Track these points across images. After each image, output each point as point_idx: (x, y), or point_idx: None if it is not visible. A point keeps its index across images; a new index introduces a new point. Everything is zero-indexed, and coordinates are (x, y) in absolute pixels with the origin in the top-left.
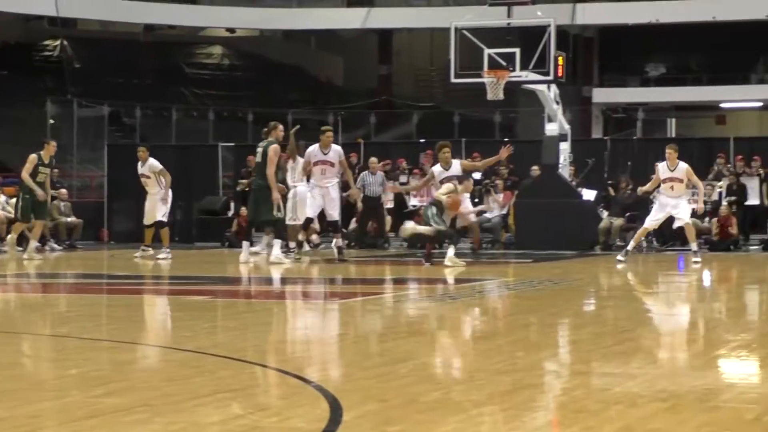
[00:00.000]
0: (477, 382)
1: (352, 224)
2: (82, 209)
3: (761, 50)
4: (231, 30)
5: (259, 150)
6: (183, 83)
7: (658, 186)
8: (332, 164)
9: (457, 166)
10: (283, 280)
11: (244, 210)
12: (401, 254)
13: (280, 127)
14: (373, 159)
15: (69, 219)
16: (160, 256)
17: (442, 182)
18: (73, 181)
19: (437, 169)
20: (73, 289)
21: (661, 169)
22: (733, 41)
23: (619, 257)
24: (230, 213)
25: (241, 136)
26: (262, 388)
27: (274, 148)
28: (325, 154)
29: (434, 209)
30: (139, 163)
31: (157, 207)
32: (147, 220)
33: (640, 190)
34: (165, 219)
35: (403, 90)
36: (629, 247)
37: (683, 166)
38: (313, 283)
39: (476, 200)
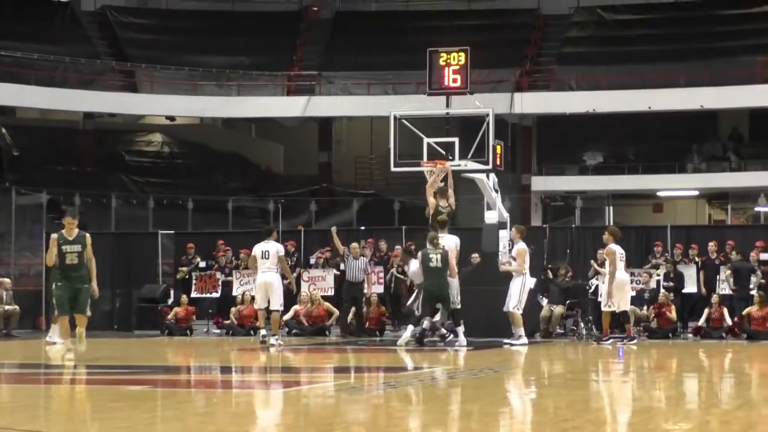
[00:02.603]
0: None
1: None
2: (19, 297)
3: (696, 139)
4: (171, 118)
5: (435, 257)
6: (123, 171)
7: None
8: None
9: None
10: (227, 369)
11: (184, 298)
12: (337, 342)
13: None
14: (354, 244)
15: (7, 307)
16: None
17: None
18: (11, 269)
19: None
20: (10, 380)
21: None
22: (669, 131)
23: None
24: (170, 301)
25: (181, 224)
26: None
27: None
28: None
29: None
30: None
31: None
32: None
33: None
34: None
35: (343, 177)
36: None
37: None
38: (253, 372)
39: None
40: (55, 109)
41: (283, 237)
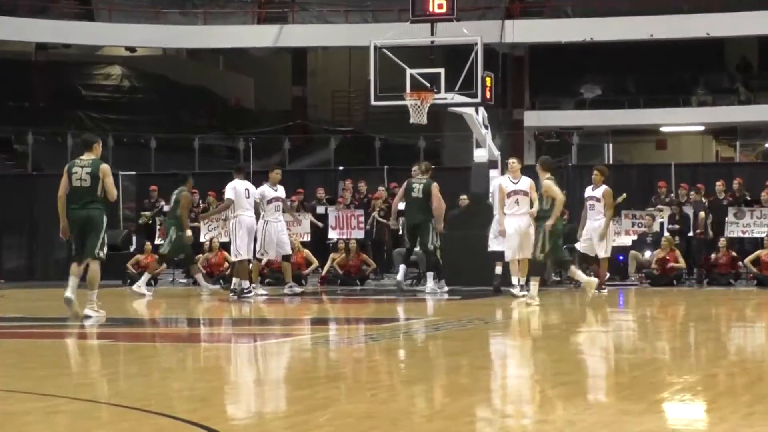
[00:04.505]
0: (401, 431)
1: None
2: None
3: (702, 70)
4: (131, 49)
5: (418, 186)
6: (79, 106)
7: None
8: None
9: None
10: (194, 321)
11: (148, 245)
12: (314, 291)
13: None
14: None
15: None
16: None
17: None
18: None
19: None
20: None
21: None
22: (673, 61)
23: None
24: (132, 248)
25: (144, 164)
26: None
27: (436, 185)
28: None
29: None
30: (276, 187)
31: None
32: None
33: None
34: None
35: (320, 113)
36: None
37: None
38: (225, 324)
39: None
40: (5, 39)
41: (254, 178)
